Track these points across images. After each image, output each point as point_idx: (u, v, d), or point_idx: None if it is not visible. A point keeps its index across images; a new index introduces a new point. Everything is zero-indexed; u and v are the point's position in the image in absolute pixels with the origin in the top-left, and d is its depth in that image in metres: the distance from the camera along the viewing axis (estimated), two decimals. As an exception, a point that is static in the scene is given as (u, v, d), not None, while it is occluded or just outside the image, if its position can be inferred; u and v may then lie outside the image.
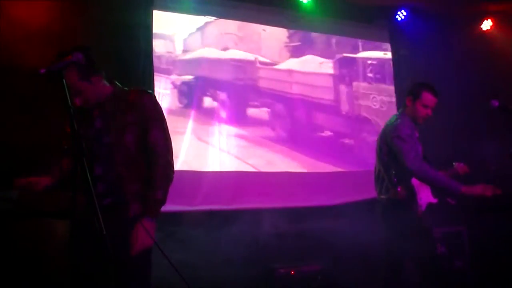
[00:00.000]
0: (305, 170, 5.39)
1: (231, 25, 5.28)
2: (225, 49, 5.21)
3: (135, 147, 2.54)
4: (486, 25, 6.11)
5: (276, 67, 5.45)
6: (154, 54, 4.76)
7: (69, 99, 2.00)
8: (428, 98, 3.61)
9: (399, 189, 3.50)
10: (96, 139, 2.54)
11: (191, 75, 5.00)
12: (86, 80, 2.52)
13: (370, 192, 3.92)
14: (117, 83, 2.70)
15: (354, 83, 5.85)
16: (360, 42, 5.97)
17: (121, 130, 2.53)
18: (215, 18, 5.18)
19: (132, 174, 2.51)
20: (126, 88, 2.71)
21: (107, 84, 2.65)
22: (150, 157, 2.56)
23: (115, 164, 2.50)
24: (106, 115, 2.57)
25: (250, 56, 5.32)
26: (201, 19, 5.10)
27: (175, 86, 4.92)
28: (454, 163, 4.06)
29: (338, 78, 5.78)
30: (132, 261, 2.42)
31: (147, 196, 2.50)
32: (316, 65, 5.68)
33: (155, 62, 4.78)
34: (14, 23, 4.03)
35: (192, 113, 4.93)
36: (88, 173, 1.95)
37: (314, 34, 5.71)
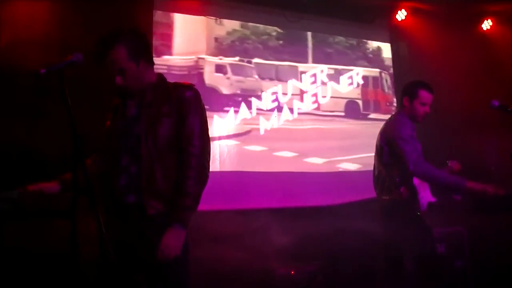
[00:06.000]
0: (306, 170, 5.39)
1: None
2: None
3: (166, 142, 2.37)
4: (486, 25, 6.11)
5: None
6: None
7: (68, 99, 1.99)
8: (425, 95, 3.62)
9: (402, 189, 3.49)
10: (126, 129, 2.43)
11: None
12: (134, 62, 2.37)
13: (370, 192, 3.91)
14: (163, 76, 2.56)
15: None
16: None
17: (154, 120, 2.38)
18: (215, 18, 5.19)
19: (156, 171, 2.34)
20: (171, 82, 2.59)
21: (154, 74, 2.53)
22: (182, 154, 2.37)
23: (140, 156, 2.35)
24: (142, 103, 2.43)
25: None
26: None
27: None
28: (447, 161, 4.07)
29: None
30: (163, 268, 2.32)
31: (176, 201, 2.32)
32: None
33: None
34: (14, 26, 4.03)
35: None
36: (88, 174, 1.94)
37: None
